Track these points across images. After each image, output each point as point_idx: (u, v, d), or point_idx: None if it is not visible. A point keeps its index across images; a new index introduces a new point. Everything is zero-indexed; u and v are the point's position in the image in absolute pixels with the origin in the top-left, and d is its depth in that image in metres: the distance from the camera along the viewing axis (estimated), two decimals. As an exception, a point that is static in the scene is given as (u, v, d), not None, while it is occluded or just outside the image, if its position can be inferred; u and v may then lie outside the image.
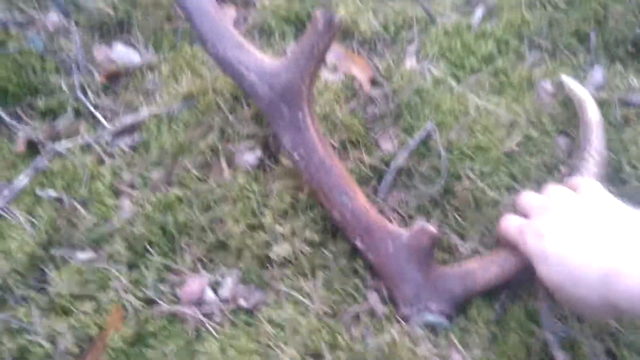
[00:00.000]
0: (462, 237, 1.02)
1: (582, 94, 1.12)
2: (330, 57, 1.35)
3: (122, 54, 1.31)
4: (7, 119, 1.13)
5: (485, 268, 0.90)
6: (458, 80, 1.25)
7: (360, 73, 1.31)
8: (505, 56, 1.29)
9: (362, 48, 1.38)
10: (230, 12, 1.47)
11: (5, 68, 1.18)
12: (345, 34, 1.39)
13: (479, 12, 1.38)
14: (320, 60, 0.93)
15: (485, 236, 1.01)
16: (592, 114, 1.07)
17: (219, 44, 0.99)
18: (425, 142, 1.14)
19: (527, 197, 0.89)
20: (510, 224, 0.87)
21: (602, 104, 1.13)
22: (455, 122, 1.15)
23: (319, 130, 0.97)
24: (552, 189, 0.85)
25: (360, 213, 0.91)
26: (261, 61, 0.96)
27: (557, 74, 1.23)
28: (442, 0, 1.44)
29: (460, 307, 0.91)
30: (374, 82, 1.30)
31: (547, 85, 1.22)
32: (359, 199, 0.93)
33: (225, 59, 0.99)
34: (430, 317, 0.88)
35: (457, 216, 1.04)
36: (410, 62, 1.32)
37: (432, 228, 0.85)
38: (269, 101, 0.95)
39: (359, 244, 0.92)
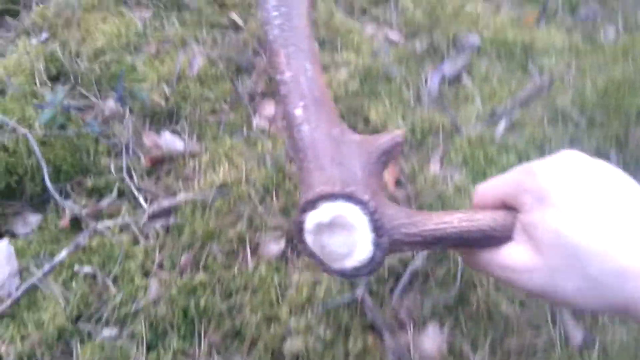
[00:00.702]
0: (474, 346, 1.03)
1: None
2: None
3: (169, 141, 1.42)
4: (56, 195, 1.22)
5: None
6: (479, 189, 1.30)
7: (386, 173, 1.38)
8: None
9: (390, 150, 1.45)
10: (268, 107, 1.58)
11: (62, 148, 1.29)
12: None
13: (502, 125, 1.44)
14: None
15: (496, 347, 1.02)
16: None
17: None
18: (444, 246, 1.18)
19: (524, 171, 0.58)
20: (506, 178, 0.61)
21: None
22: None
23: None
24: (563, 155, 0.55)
25: (316, 88, 0.68)
26: None
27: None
28: (468, 110, 1.52)
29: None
30: (398, 183, 1.36)
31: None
32: (321, 80, 0.71)
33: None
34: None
35: (469, 325, 1.05)
36: (434, 167, 1.38)
37: (399, 132, 0.66)
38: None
39: (300, 108, 0.66)
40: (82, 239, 1.14)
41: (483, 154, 1.36)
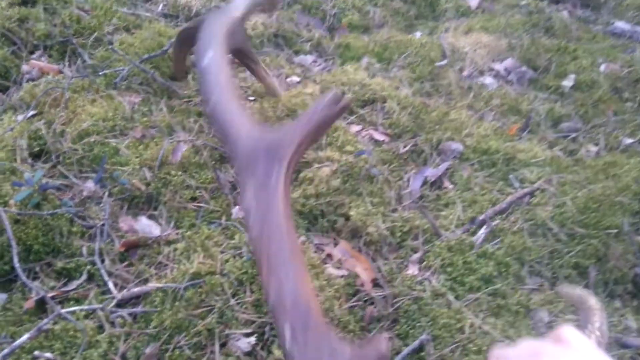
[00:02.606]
0: None
1: (581, 291, 1.19)
2: (337, 253, 1.49)
3: (145, 226, 1.47)
4: (23, 277, 1.24)
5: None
6: (457, 296, 1.36)
7: (364, 273, 1.44)
8: (504, 279, 1.40)
9: (368, 249, 1.52)
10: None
11: (36, 227, 1.34)
12: (354, 233, 1.55)
13: (482, 233, 1.53)
14: (318, 131, 0.99)
15: None
16: (594, 302, 1.13)
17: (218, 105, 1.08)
18: (419, 351, 1.22)
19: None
20: None
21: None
22: (450, 338, 1.24)
23: (288, 199, 0.93)
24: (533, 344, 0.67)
25: (300, 298, 0.77)
26: (253, 123, 1.05)
27: (555, 304, 1.33)
28: (448, 215, 1.60)
29: None
30: (375, 284, 1.42)
31: (544, 315, 1.31)
32: (305, 281, 0.79)
33: (217, 115, 1.08)
34: None
35: None
36: (412, 270, 1.44)
37: (384, 345, 0.71)
38: (247, 155, 0.97)
39: (287, 332, 0.75)
40: (46, 323, 1.16)
41: (462, 260, 1.43)
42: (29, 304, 1.22)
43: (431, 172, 1.77)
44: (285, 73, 2.21)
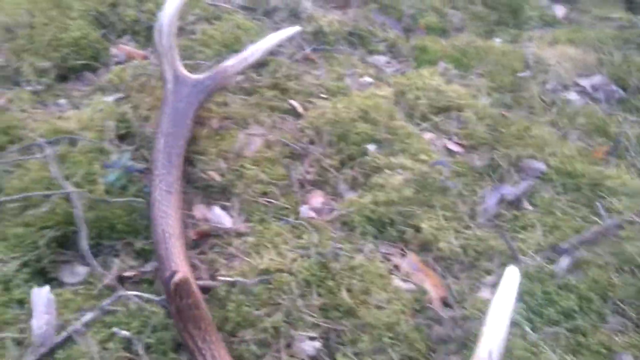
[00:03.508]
0: None
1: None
2: (405, 265, 1.47)
3: (218, 216, 1.50)
4: (91, 259, 1.31)
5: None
6: (534, 327, 1.29)
7: (433, 289, 1.40)
8: (586, 315, 1.33)
9: (438, 264, 1.48)
10: (317, 198, 1.66)
11: (120, 207, 1.40)
12: (424, 246, 1.52)
13: (564, 262, 1.45)
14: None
15: None
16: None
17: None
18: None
19: None
20: None
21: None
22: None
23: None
24: None
25: None
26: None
27: (641, 349, 1.25)
28: (527, 239, 1.53)
29: None
30: (445, 303, 1.39)
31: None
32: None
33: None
34: None
35: None
36: (485, 293, 1.39)
37: None
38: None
39: None
40: (107, 304, 1.22)
41: (541, 290, 1.36)
42: (108, 280, 1.28)
43: (509, 190, 1.69)
44: (358, 73, 2.18)
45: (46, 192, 1.37)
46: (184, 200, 1.50)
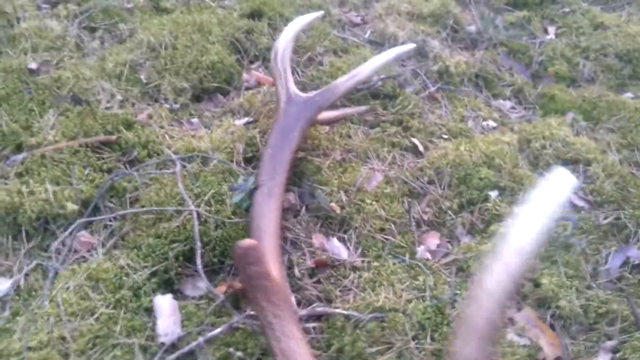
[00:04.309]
0: None
1: None
2: (520, 319, 1.41)
3: (335, 247, 1.51)
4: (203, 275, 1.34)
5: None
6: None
7: (548, 347, 1.34)
8: None
9: (556, 322, 1.41)
10: (433, 239, 1.64)
11: (244, 228, 1.44)
12: (541, 302, 1.45)
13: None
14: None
15: None
16: None
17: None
18: None
19: None
20: None
21: None
22: None
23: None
24: None
25: None
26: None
27: None
28: None
29: None
30: (559, 363, 1.32)
31: None
32: None
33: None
34: None
35: None
36: (603, 358, 1.32)
37: None
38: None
39: None
40: (235, 322, 1.24)
41: (665, 361, 1.29)
42: (221, 289, 1.32)
43: (635, 253, 1.60)
44: (482, 116, 2.15)
45: (166, 208, 1.44)
46: (306, 228, 1.54)
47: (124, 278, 1.30)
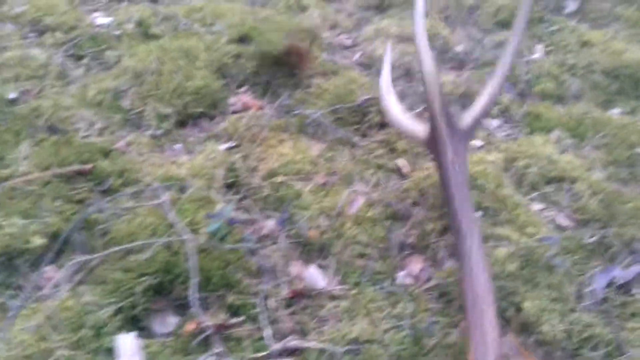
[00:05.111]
0: None
1: None
2: (504, 348, 1.32)
3: (313, 275, 1.42)
4: (196, 307, 1.26)
5: None
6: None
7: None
8: None
9: (537, 348, 1.32)
10: (416, 264, 1.54)
11: (218, 259, 1.35)
12: (524, 327, 1.36)
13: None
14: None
15: None
16: None
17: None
18: None
19: None
20: None
21: None
22: None
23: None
24: None
25: None
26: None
27: None
28: (634, 328, 1.36)
29: None
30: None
31: None
32: None
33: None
34: None
35: None
36: (588, 386, 1.23)
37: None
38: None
39: None
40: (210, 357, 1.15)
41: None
42: (189, 327, 1.23)
43: (620, 273, 1.50)
44: (469, 135, 2.06)
45: (156, 241, 1.35)
46: (284, 256, 1.45)
47: (87, 316, 1.21)
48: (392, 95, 1.70)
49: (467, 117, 1.51)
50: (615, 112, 2.30)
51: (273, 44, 2.18)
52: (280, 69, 2.15)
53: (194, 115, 1.93)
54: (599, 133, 2.09)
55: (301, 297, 1.36)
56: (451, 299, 1.41)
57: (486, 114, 1.56)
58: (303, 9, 2.75)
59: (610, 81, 2.45)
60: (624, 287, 1.49)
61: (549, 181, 1.82)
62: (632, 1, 3.04)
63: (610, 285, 1.49)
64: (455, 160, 1.39)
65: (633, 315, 1.41)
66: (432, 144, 1.46)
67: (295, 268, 1.43)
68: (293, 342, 1.24)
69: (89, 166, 1.55)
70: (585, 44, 2.65)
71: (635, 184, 1.88)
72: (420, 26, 1.56)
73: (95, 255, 1.32)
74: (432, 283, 1.46)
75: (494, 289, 1.37)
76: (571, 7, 3.04)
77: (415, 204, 1.69)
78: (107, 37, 2.17)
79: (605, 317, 1.38)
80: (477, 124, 1.53)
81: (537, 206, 1.74)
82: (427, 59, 1.49)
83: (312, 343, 1.23)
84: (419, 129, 1.53)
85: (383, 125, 2.00)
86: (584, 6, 3.02)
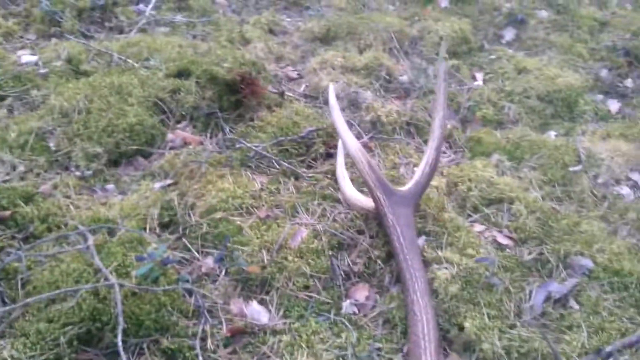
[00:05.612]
0: None
1: None
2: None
3: (254, 312, 1.40)
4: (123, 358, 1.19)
5: None
6: None
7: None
8: None
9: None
10: (362, 292, 1.54)
11: (150, 303, 1.31)
12: (466, 346, 1.39)
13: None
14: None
15: None
16: None
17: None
18: None
19: None
20: None
21: None
22: None
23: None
24: None
25: None
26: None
27: None
28: (571, 340, 1.40)
29: None
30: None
31: None
32: None
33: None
34: None
35: None
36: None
37: None
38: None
39: None
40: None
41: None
42: None
43: (556, 288, 1.56)
44: (413, 162, 2.09)
45: (78, 287, 1.29)
46: (224, 294, 1.43)
47: (7, 372, 1.14)
48: (346, 179, 1.78)
49: (409, 183, 1.67)
50: (551, 134, 2.40)
51: (217, 75, 2.17)
52: (223, 103, 2.14)
53: (127, 153, 1.88)
54: (535, 155, 2.17)
55: (242, 334, 1.33)
56: (395, 325, 1.42)
57: (427, 180, 1.67)
58: (246, 41, 2.77)
59: (545, 105, 2.57)
60: (561, 301, 1.54)
61: (490, 203, 1.87)
62: (565, 29, 3.22)
63: (548, 299, 1.53)
64: (396, 222, 1.53)
65: (569, 327, 1.45)
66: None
67: (235, 305, 1.40)
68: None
69: (8, 212, 1.48)
70: (521, 70, 2.77)
71: (569, 202, 1.96)
72: (336, 111, 1.73)
73: (14, 306, 1.25)
74: (376, 311, 1.47)
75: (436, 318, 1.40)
76: (508, 36, 3.19)
77: (360, 232, 1.69)
78: (32, 75, 2.11)
79: (543, 334, 1.41)
80: (420, 188, 1.65)
81: (478, 227, 1.78)
82: (351, 141, 1.65)
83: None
84: (369, 203, 1.65)
85: (329, 155, 2.03)
86: (521, 35, 3.17)
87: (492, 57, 2.94)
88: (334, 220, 1.72)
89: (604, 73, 2.86)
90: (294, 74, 2.67)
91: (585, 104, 2.58)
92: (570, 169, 2.11)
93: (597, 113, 2.57)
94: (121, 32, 2.72)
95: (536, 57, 2.95)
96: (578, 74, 2.77)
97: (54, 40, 2.47)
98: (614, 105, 2.66)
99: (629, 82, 2.84)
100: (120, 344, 1.17)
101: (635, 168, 2.19)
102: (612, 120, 2.54)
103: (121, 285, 1.25)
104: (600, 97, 2.71)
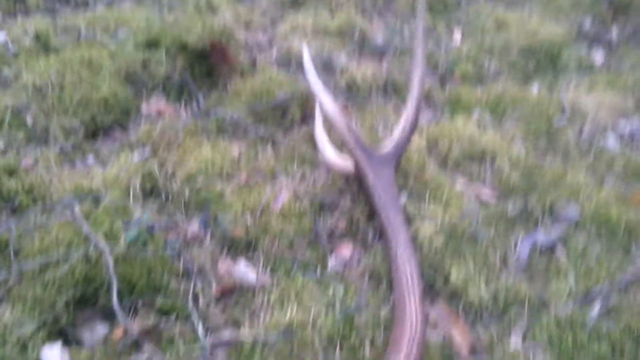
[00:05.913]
0: None
1: None
2: (432, 314, 1.48)
3: (242, 271, 1.54)
4: (119, 314, 1.33)
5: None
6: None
7: (461, 338, 1.41)
8: None
9: (467, 313, 1.50)
10: (346, 249, 1.69)
11: (140, 266, 1.44)
12: (453, 295, 1.53)
13: (596, 309, 1.45)
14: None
15: None
16: None
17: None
18: None
19: None
20: None
21: None
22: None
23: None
24: None
25: None
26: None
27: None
28: (559, 286, 1.54)
29: None
30: (473, 351, 1.39)
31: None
32: None
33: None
34: None
35: None
36: (515, 342, 1.40)
37: None
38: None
39: None
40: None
41: (572, 337, 1.36)
42: (117, 333, 1.32)
43: (542, 238, 1.71)
44: (392, 123, 2.23)
45: (69, 253, 1.43)
46: (211, 256, 1.56)
47: (9, 334, 1.28)
48: (325, 141, 1.90)
49: (388, 144, 1.75)
50: (533, 88, 2.54)
51: (187, 45, 2.27)
52: (195, 71, 2.26)
53: (104, 126, 2.01)
54: (518, 109, 2.31)
55: (231, 292, 1.48)
56: (381, 279, 1.56)
57: (407, 139, 1.76)
58: (214, 9, 2.86)
59: (527, 59, 2.70)
60: (548, 250, 1.68)
61: (472, 158, 2.01)
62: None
63: (535, 249, 1.68)
64: (377, 182, 1.63)
65: (557, 274, 1.60)
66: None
67: (223, 266, 1.54)
68: (226, 335, 1.35)
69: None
70: (501, 25, 2.90)
71: (554, 155, 2.10)
72: (312, 73, 1.81)
73: (9, 274, 1.39)
74: (361, 266, 1.61)
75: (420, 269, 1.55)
76: (486, -11, 3.30)
77: (342, 192, 1.83)
78: (2, 54, 2.21)
79: (530, 280, 1.56)
80: (400, 147, 1.74)
81: (460, 184, 1.92)
82: (328, 102, 1.72)
83: (244, 334, 1.34)
84: (349, 165, 1.75)
85: (304, 120, 2.15)
86: (499, -13, 3.28)
87: (470, 12, 3.06)
88: (314, 182, 1.85)
89: (587, 24, 3.00)
90: (264, 40, 2.76)
91: (568, 57, 2.72)
92: (555, 121, 2.26)
93: (581, 65, 2.70)
94: (87, 6, 2.81)
95: (516, 10, 3.07)
96: (560, 26, 2.90)
97: (20, 17, 2.56)
98: (598, 56, 2.81)
99: (613, 33, 2.97)
100: (115, 300, 1.32)
101: (621, 119, 2.33)
102: (596, 72, 2.68)
103: (111, 249, 1.38)
104: (584, 48, 2.84)
